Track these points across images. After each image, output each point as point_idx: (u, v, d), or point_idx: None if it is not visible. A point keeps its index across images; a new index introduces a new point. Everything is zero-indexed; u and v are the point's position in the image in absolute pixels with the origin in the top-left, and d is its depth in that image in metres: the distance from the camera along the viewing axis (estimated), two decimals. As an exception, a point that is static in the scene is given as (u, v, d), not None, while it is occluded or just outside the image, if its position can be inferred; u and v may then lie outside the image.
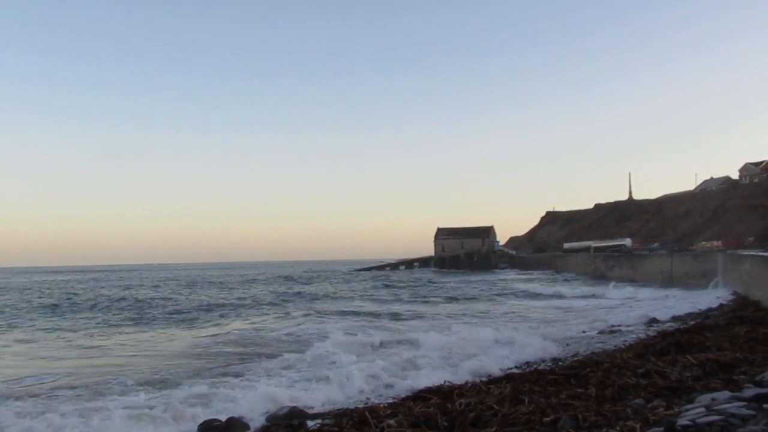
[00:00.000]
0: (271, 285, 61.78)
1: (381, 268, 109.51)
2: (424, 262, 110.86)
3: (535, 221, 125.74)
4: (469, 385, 6.41)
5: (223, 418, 9.24)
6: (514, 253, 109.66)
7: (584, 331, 19.67)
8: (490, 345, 15.73)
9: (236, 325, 25.35)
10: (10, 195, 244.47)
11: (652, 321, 21.32)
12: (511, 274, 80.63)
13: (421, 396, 6.20)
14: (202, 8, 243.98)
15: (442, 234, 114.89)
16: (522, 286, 52.50)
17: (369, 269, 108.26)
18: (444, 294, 44.27)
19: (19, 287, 65.47)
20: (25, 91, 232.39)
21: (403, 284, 59.39)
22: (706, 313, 21.79)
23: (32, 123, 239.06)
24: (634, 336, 16.72)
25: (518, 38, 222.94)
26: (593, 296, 39.17)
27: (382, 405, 5.36)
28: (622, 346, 13.62)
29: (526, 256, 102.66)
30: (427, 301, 38.09)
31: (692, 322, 18.34)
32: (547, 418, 4.75)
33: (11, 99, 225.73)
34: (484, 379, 9.44)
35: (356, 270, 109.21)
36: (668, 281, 47.39)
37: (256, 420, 9.47)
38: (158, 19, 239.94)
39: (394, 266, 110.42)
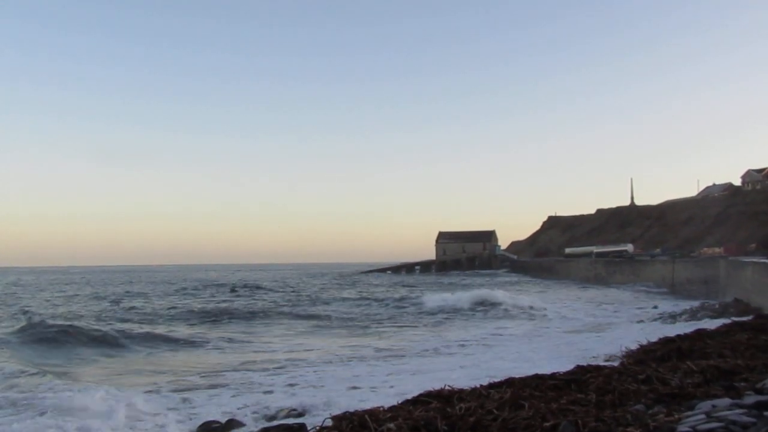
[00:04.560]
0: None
1: (383, 271, 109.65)
2: (425, 266, 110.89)
3: (537, 226, 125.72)
4: (469, 389, 6.42)
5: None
6: (515, 257, 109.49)
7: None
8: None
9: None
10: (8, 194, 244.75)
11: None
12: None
13: (421, 400, 6.21)
14: (205, 9, 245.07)
15: (443, 238, 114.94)
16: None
17: (369, 272, 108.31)
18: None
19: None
20: (25, 91, 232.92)
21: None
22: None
23: (32, 123, 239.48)
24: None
25: (521, 43, 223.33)
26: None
27: (381, 408, 5.36)
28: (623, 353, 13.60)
29: (528, 260, 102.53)
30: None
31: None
32: (547, 423, 4.75)
33: (11, 99, 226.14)
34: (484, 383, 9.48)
35: (361, 272, 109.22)
36: (670, 287, 47.46)
37: (255, 422, 9.49)
38: (160, 20, 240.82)
39: (396, 270, 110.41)
